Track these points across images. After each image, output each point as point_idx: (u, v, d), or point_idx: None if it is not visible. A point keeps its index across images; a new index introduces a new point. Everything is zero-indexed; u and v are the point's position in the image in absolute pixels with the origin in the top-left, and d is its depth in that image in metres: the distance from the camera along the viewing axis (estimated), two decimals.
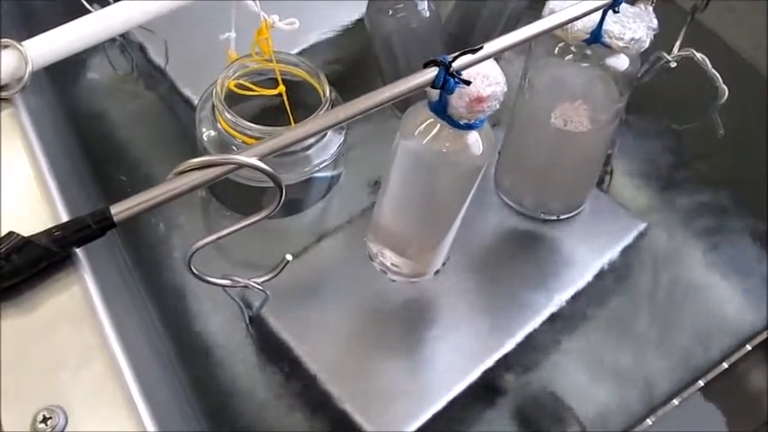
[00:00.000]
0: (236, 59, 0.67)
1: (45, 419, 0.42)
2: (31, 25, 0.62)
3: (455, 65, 0.49)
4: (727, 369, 0.64)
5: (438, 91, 0.50)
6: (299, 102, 0.66)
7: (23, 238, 0.45)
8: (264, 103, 0.69)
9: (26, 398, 0.42)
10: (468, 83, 0.49)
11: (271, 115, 0.67)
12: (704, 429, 0.63)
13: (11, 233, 0.45)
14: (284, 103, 0.65)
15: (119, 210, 0.46)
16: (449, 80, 0.49)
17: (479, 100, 0.51)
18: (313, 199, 0.70)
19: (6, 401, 0.42)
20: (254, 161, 0.46)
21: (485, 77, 0.51)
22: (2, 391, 0.42)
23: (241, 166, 0.46)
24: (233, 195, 0.68)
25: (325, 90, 0.66)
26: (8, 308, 0.45)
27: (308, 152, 0.66)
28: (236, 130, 0.63)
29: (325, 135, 0.67)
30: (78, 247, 0.47)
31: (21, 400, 0.42)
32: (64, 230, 0.46)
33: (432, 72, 0.49)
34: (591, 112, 0.62)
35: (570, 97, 0.62)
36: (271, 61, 0.66)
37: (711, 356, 0.66)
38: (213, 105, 0.65)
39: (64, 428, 0.42)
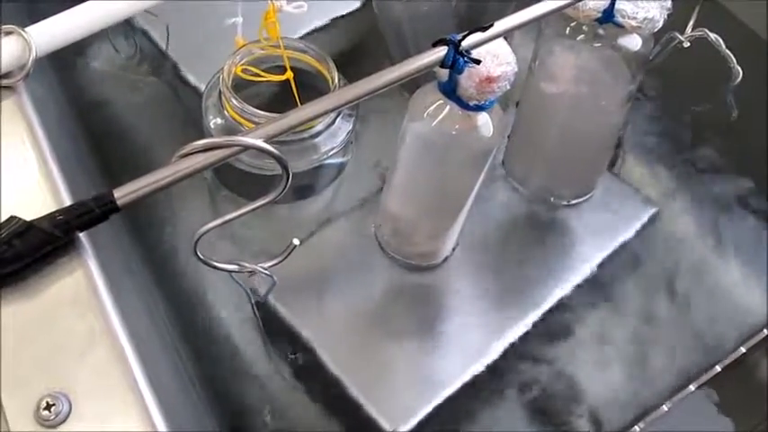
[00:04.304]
0: (243, 46, 0.66)
1: (48, 406, 0.41)
2: (34, 11, 0.61)
3: (465, 43, 0.48)
4: (744, 354, 0.64)
5: (447, 71, 0.50)
6: (307, 89, 0.65)
7: (25, 222, 0.45)
8: (272, 91, 0.68)
9: (29, 384, 0.42)
10: (477, 62, 0.48)
11: (278, 103, 0.66)
12: (721, 415, 0.62)
13: (12, 218, 0.45)
14: (292, 90, 0.64)
15: (122, 193, 0.45)
16: (458, 59, 0.48)
17: (489, 80, 0.50)
18: (321, 185, 0.70)
19: (9, 388, 0.42)
20: (259, 143, 0.45)
21: (495, 57, 0.50)
22: (5, 378, 0.42)
23: (246, 147, 0.45)
24: (242, 184, 0.68)
25: (334, 77, 0.65)
26: (11, 293, 0.44)
27: (317, 140, 0.65)
28: (244, 117, 0.63)
29: (334, 122, 0.66)
30: (81, 231, 0.46)
31: (24, 387, 0.42)
32: (67, 215, 0.46)
33: (441, 51, 0.48)
34: (599, 92, 0.61)
35: (581, 78, 0.61)
36: (278, 47, 0.65)
37: (725, 342, 0.65)
38: (220, 92, 0.64)
39: (68, 415, 0.41)
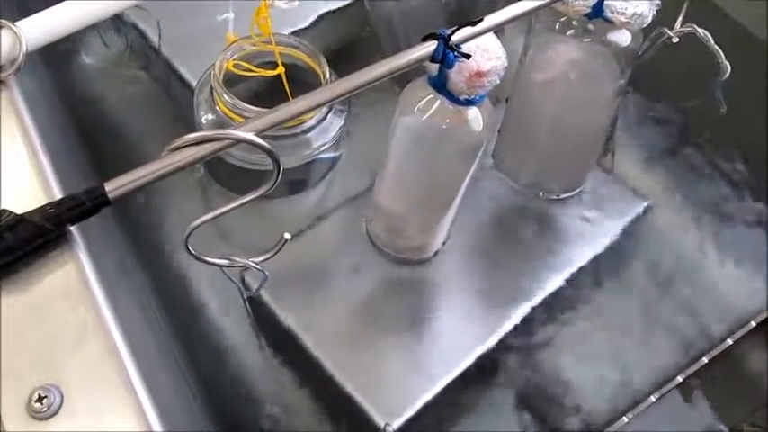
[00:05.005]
0: (235, 41, 0.66)
1: (40, 398, 0.41)
2: (25, 5, 0.61)
3: (454, 38, 0.48)
4: (731, 346, 0.64)
5: (437, 65, 0.50)
6: (298, 85, 0.65)
7: (16, 215, 0.44)
8: (263, 87, 0.68)
9: (21, 377, 0.42)
10: (467, 56, 0.49)
11: (270, 98, 0.65)
12: (707, 406, 0.63)
13: (3, 211, 0.45)
14: (283, 86, 0.64)
15: (113, 187, 0.45)
16: (448, 54, 0.48)
17: (479, 74, 0.50)
18: (314, 180, 0.70)
19: (1, 380, 0.42)
20: (251, 136, 0.45)
21: (485, 51, 0.50)
22: None
23: (238, 141, 0.45)
24: (234, 179, 0.68)
25: (325, 73, 0.65)
26: (2, 286, 0.44)
27: (309, 135, 0.65)
28: (235, 113, 0.63)
29: (326, 117, 0.66)
30: (73, 224, 0.46)
31: (16, 379, 0.42)
32: (58, 208, 0.45)
33: (431, 45, 0.48)
34: (589, 87, 0.61)
35: (571, 73, 0.61)
36: (270, 43, 0.65)
37: (713, 334, 0.66)
38: (211, 88, 0.64)
39: (59, 407, 0.41)
